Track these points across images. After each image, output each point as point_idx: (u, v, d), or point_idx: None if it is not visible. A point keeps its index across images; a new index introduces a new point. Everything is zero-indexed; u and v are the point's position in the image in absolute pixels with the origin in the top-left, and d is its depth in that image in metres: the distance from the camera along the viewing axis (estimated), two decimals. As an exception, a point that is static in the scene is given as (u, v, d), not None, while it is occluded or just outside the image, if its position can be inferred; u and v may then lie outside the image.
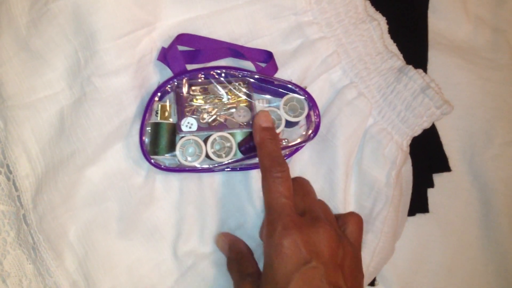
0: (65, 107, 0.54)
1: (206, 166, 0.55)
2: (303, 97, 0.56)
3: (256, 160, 0.56)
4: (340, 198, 0.57)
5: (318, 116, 0.56)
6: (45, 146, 0.54)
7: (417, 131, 0.59)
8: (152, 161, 0.54)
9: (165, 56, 0.56)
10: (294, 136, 0.58)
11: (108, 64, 0.53)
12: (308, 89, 0.57)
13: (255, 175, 0.58)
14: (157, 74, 0.57)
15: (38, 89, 0.54)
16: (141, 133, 0.54)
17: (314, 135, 0.56)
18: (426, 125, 0.59)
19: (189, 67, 0.56)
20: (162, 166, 0.55)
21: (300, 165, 0.58)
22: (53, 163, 0.54)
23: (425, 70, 0.66)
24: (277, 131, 0.56)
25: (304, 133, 0.57)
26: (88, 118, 0.54)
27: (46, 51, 0.54)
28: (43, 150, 0.54)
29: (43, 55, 0.54)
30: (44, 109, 0.54)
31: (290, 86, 0.56)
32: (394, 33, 0.62)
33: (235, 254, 0.54)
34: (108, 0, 0.52)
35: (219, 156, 0.55)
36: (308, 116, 0.57)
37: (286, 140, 0.57)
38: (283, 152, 0.56)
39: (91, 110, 0.54)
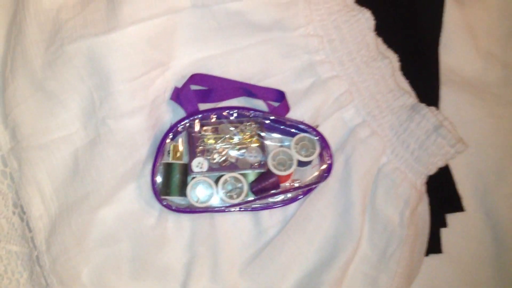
0: (80, 148, 0.55)
1: (217, 206, 0.55)
2: (315, 137, 0.56)
3: (267, 200, 0.56)
4: (356, 237, 0.57)
5: (331, 156, 0.56)
6: (59, 187, 0.55)
7: (432, 170, 0.59)
8: (164, 202, 0.54)
9: (178, 96, 0.56)
10: (307, 175, 0.58)
11: (123, 106, 0.53)
12: (320, 128, 0.57)
13: (266, 215, 0.58)
14: (170, 113, 0.58)
15: (53, 130, 0.55)
16: (153, 175, 0.54)
17: (328, 175, 0.56)
18: (441, 164, 0.59)
19: (202, 106, 0.57)
20: (173, 208, 0.54)
21: (315, 204, 0.57)
22: (66, 204, 0.54)
23: (437, 107, 0.65)
24: (289, 171, 0.55)
25: (317, 173, 0.57)
26: (102, 160, 0.54)
27: (61, 92, 0.54)
28: (57, 191, 0.55)
29: (58, 96, 0.54)
30: (59, 150, 0.55)
31: (302, 126, 0.56)
32: (406, 70, 0.62)
33: None
34: (123, 42, 0.53)
35: (231, 197, 0.55)
36: (320, 156, 0.57)
37: (299, 180, 0.57)
38: (296, 193, 0.56)
39: (105, 152, 0.54)
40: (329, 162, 0.56)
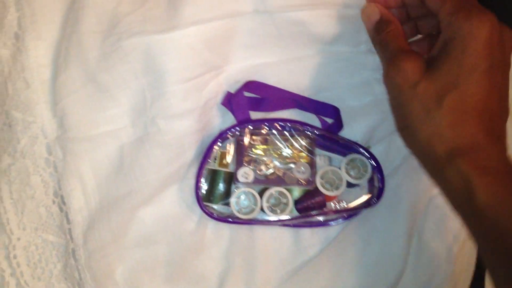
0: (126, 144, 0.54)
1: (259, 219, 0.53)
2: (368, 159, 0.54)
3: (310, 218, 0.54)
4: (399, 268, 0.54)
5: (382, 181, 0.54)
6: (102, 182, 0.54)
7: (486, 205, 0.56)
8: (207, 210, 0.53)
9: (230, 101, 0.55)
10: (353, 196, 0.56)
11: (174, 106, 0.52)
12: (372, 150, 0.55)
13: (307, 233, 0.56)
14: (220, 118, 0.56)
15: (101, 124, 0.54)
16: (198, 180, 0.53)
17: (377, 201, 0.54)
18: (496, 199, 0.55)
19: (253, 114, 0.55)
20: (215, 216, 0.53)
21: (360, 229, 0.55)
22: (107, 200, 0.54)
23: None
24: (337, 192, 0.53)
25: (365, 196, 0.55)
26: (148, 159, 0.53)
27: (114, 86, 0.53)
28: (99, 185, 0.54)
29: (110, 90, 0.54)
30: (105, 145, 0.54)
31: (355, 146, 0.54)
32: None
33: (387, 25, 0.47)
34: (181, 43, 0.52)
35: (274, 211, 0.53)
36: (370, 179, 0.55)
37: (344, 201, 0.55)
38: (340, 214, 0.54)
39: (152, 152, 0.53)
40: (380, 185, 0.53)
